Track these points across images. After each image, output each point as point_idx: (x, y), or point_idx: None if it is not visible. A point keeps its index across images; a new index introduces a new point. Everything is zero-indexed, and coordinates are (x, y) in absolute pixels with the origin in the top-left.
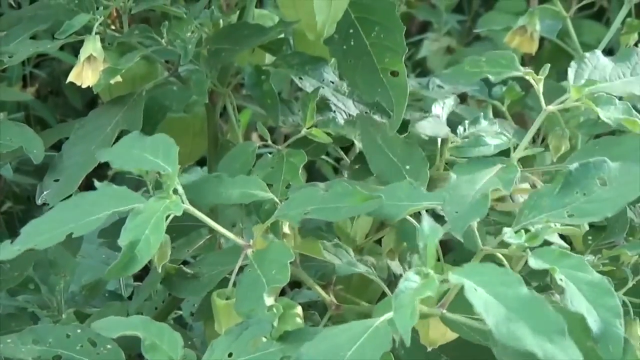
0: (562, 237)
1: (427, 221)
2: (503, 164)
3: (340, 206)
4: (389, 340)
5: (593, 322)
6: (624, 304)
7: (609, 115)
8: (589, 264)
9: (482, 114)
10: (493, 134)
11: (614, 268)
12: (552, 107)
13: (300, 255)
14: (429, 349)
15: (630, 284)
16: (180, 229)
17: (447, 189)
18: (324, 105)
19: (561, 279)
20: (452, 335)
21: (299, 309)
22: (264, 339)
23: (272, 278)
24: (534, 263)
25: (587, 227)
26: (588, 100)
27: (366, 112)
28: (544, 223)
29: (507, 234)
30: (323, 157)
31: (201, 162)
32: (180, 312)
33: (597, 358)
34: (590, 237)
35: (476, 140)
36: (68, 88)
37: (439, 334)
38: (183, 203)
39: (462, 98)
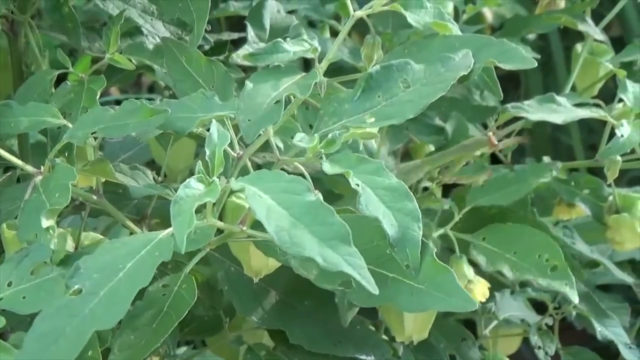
0: None
1: (215, 128)
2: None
3: (128, 122)
4: (169, 252)
5: (390, 227)
6: (448, 239)
7: (418, 19)
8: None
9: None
10: (295, 41)
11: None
12: (360, 13)
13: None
14: (256, 280)
15: (457, 218)
16: None
17: (242, 97)
18: (135, 30)
19: (357, 184)
20: (274, 264)
21: None
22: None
23: (55, 201)
24: (329, 168)
25: (432, 148)
26: (397, 5)
27: (177, 34)
28: (343, 129)
29: (298, 138)
30: None
31: None
32: None
33: (397, 266)
34: None
35: (274, 47)
36: None
37: (261, 263)
38: None
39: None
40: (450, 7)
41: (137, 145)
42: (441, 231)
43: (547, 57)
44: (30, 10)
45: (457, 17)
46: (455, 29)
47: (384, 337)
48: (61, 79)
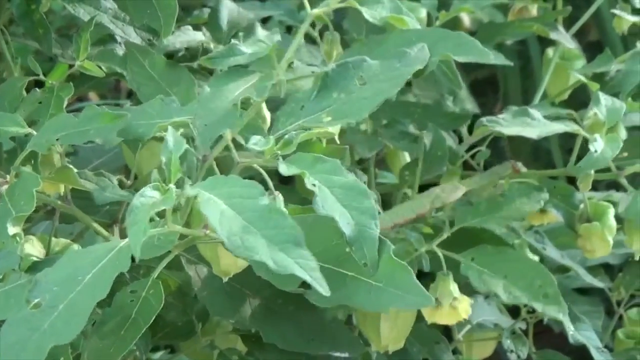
0: None
1: (171, 135)
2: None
3: (89, 129)
4: (128, 261)
5: (346, 225)
6: (436, 256)
7: (375, 14)
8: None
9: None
10: (252, 42)
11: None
12: (316, 11)
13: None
14: (225, 280)
15: (445, 236)
16: None
17: (199, 101)
18: (108, 37)
19: (314, 184)
20: (243, 263)
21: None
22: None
23: (20, 208)
24: (285, 169)
25: (406, 155)
26: (352, 1)
27: (148, 40)
28: (300, 129)
29: (254, 140)
30: None
31: None
32: None
33: (355, 265)
34: (407, 172)
35: (230, 50)
36: None
37: (230, 263)
38: None
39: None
40: (423, 13)
41: (110, 151)
42: (427, 247)
43: (525, 61)
44: (2, 17)
45: (430, 23)
46: (412, 23)
47: None
48: (40, 85)
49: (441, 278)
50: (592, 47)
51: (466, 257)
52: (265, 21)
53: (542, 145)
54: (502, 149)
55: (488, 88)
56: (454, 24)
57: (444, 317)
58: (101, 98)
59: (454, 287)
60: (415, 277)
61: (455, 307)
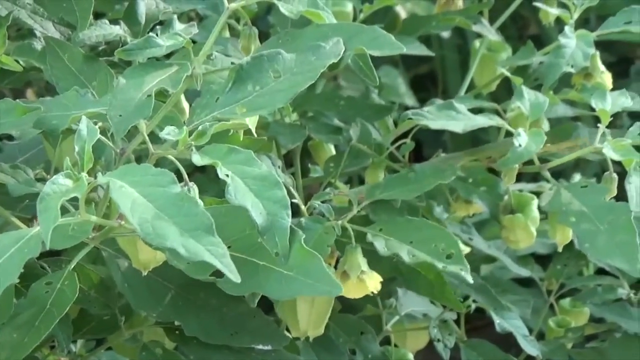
0: None
1: (84, 124)
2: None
3: (3, 121)
4: (38, 248)
5: (258, 215)
6: (345, 231)
7: (291, 8)
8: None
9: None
10: (168, 35)
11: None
12: (234, 5)
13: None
14: (144, 273)
15: (355, 211)
16: None
17: (114, 93)
18: (28, 32)
19: (227, 175)
20: (162, 257)
21: None
22: None
23: None
24: (197, 159)
25: (331, 147)
26: None
27: (68, 34)
28: (215, 120)
29: (167, 131)
30: None
31: None
32: None
33: (267, 254)
34: (332, 164)
35: (146, 42)
36: None
37: (149, 256)
38: None
39: None
40: (349, 7)
41: (35, 147)
42: (338, 222)
43: (465, 55)
44: None
45: (355, 17)
46: (329, 18)
47: (287, 333)
48: None
49: (349, 251)
50: (532, 41)
51: (374, 228)
52: (202, 20)
53: (482, 138)
54: (444, 142)
55: (429, 83)
56: (393, 20)
57: (351, 290)
58: (38, 97)
59: (362, 260)
60: (325, 266)
61: (362, 280)
